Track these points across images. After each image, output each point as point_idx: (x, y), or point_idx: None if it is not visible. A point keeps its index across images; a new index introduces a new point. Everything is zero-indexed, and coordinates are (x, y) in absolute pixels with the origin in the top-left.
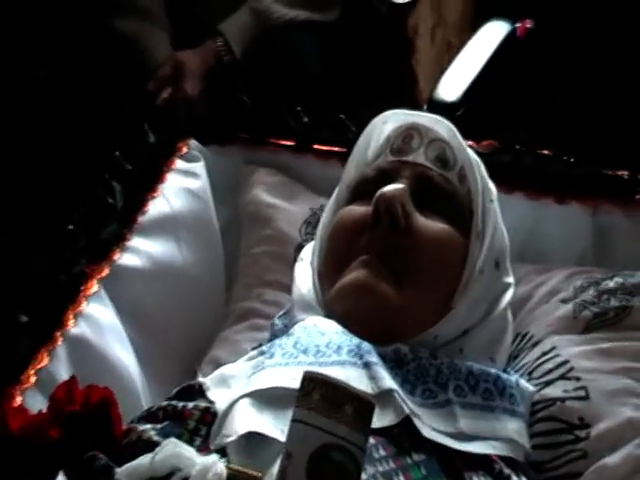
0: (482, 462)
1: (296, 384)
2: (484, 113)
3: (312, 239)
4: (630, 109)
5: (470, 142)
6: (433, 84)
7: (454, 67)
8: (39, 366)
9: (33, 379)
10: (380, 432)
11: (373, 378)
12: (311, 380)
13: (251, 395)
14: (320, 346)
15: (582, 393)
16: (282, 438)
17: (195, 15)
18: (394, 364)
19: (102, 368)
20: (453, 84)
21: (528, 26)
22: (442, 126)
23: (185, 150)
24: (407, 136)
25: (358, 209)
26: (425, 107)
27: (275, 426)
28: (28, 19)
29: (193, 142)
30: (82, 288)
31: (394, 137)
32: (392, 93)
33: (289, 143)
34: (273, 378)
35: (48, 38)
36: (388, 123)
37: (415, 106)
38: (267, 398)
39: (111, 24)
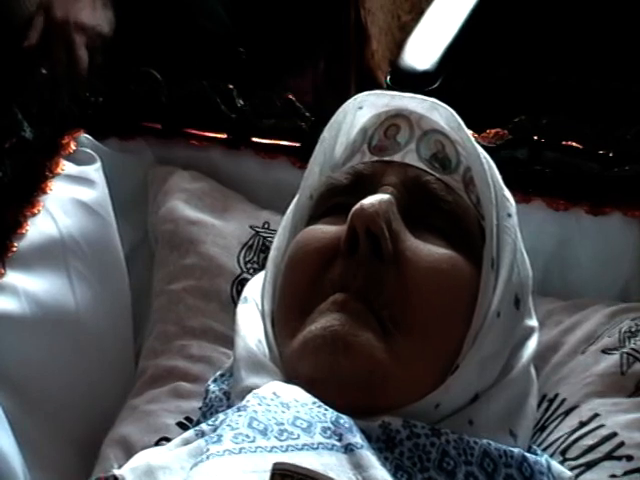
0: None
1: (258, 479)
2: (477, 87)
3: (257, 270)
4: None
5: (469, 132)
6: (391, 46)
7: (423, 24)
8: None
9: None
10: None
11: (359, 467)
12: (283, 477)
13: None
14: (284, 424)
15: (637, 476)
16: None
17: None
18: (383, 445)
19: None
20: (425, 47)
21: None
22: (439, 112)
23: (74, 147)
24: (391, 127)
25: (327, 229)
26: (388, 79)
27: None
28: None
29: (84, 136)
30: None
31: (373, 129)
32: (336, 58)
33: (219, 135)
34: (224, 473)
35: None
36: (364, 109)
37: (369, 76)
38: None
39: None
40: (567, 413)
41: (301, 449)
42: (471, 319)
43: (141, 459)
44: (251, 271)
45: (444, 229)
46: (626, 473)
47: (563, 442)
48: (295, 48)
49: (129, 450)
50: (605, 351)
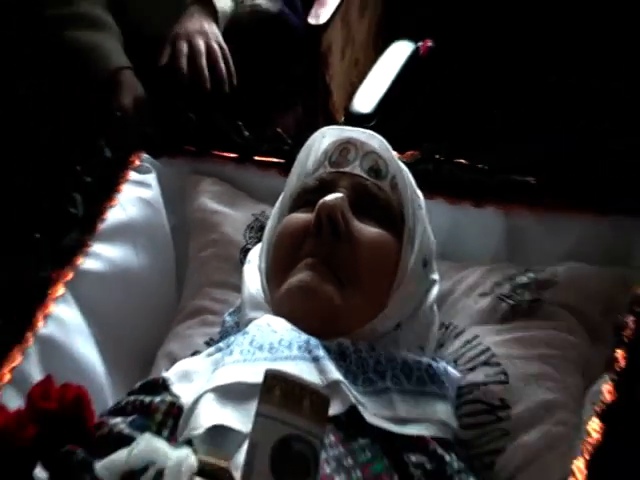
0: (418, 443)
1: (256, 379)
2: (403, 124)
3: (256, 242)
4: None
5: (394, 153)
6: (345, 97)
7: (366, 82)
8: (13, 365)
9: (8, 377)
10: (329, 420)
11: (322, 371)
12: (273, 377)
13: (214, 390)
14: (273, 343)
15: (502, 377)
16: (245, 430)
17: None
18: (338, 357)
19: (70, 365)
20: (366, 97)
21: (429, 45)
22: (375, 140)
23: (138, 163)
24: (344, 149)
25: (301, 216)
26: (342, 118)
27: (238, 419)
28: None
29: (145, 155)
30: (49, 291)
31: (332, 150)
32: (309, 105)
33: (232, 155)
34: (234, 374)
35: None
36: (326, 137)
37: (331, 117)
38: (229, 393)
39: (63, 36)
40: (457, 335)
41: (285, 359)
42: (396, 274)
43: (180, 366)
44: (252, 243)
45: (378, 216)
46: (496, 374)
47: (455, 354)
48: (282, 98)
49: (173, 361)
50: (482, 295)
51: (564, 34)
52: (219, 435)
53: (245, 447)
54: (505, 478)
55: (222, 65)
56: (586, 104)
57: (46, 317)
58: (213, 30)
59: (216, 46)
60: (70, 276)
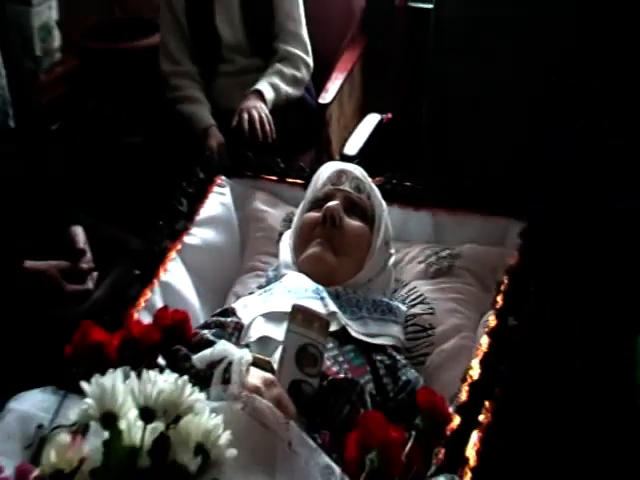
0: (381, 348)
1: (287, 309)
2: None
3: (286, 229)
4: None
5: (369, 178)
6: (339, 146)
7: (353, 137)
8: (145, 298)
9: (142, 305)
10: (329, 334)
11: (325, 305)
12: (296, 309)
13: (262, 315)
14: (297, 288)
15: (430, 311)
16: (280, 339)
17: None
18: (334, 297)
19: (177, 299)
20: (352, 146)
21: (389, 116)
22: (357, 170)
23: (219, 181)
24: (339, 175)
25: (314, 215)
26: (338, 158)
27: (276, 333)
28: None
29: (223, 177)
30: (166, 256)
31: (332, 176)
32: (318, 149)
33: (273, 178)
34: (274, 305)
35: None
36: (328, 168)
37: (331, 157)
38: (271, 317)
39: (175, 109)
40: (404, 286)
41: (303, 298)
42: (369, 249)
43: (242, 300)
44: (284, 229)
45: (359, 215)
46: (427, 309)
47: (403, 297)
48: (301, 146)
49: (237, 298)
50: (419, 262)
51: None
52: (265, 342)
53: (280, 350)
54: (430, 370)
55: (267, 127)
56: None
57: (165, 270)
58: (262, 107)
59: (264, 116)
60: (179, 247)
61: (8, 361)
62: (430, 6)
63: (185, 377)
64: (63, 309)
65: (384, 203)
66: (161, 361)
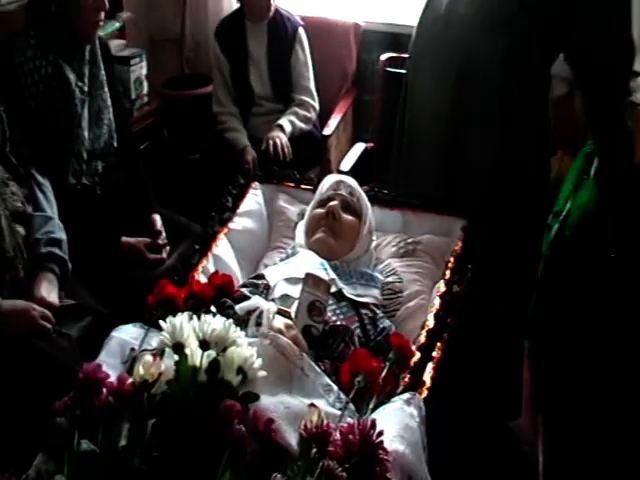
0: (366, 305)
1: (302, 275)
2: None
3: (301, 220)
4: None
5: (359, 187)
6: (337, 165)
7: (346, 159)
8: (202, 265)
9: (200, 270)
10: (330, 294)
11: (328, 274)
12: (308, 275)
13: (284, 279)
14: (308, 261)
15: (400, 280)
16: (297, 296)
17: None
18: (334, 268)
19: (224, 267)
20: (346, 164)
21: (372, 145)
22: (351, 180)
23: (254, 185)
24: (338, 184)
25: (320, 211)
26: (336, 172)
27: (294, 292)
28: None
29: (256, 182)
30: (217, 236)
31: (333, 184)
32: (322, 167)
33: (292, 184)
34: (292, 272)
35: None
36: (330, 179)
37: (331, 172)
38: (290, 280)
39: (222, 136)
40: (382, 262)
41: (313, 268)
42: (358, 236)
43: (270, 268)
44: (299, 221)
45: (352, 212)
46: (397, 279)
47: (381, 270)
48: (310, 164)
49: (266, 266)
50: (393, 246)
51: None
52: (285, 298)
53: (296, 303)
54: (399, 321)
55: (286, 150)
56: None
57: (216, 246)
58: (283, 137)
59: (284, 143)
60: (225, 230)
61: (112, 305)
62: (403, 71)
63: (230, 320)
64: (146, 271)
65: (369, 204)
66: (213, 309)
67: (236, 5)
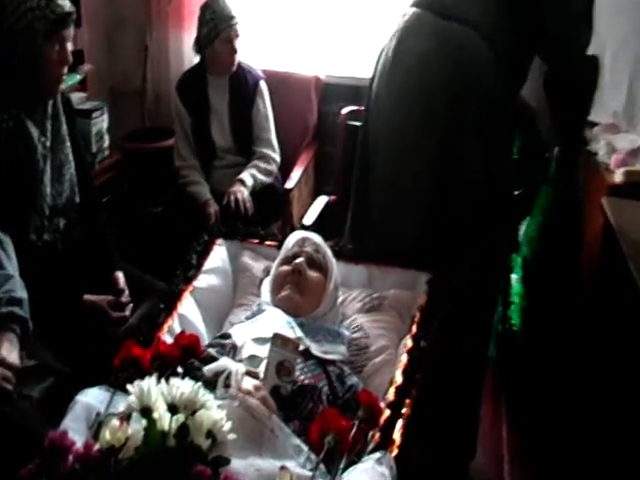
0: (333, 362)
1: (269, 335)
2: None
3: (266, 277)
4: None
5: (324, 242)
6: (299, 219)
7: (308, 212)
8: (168, 324)
9: (166, 329)
10: (298, 353)
11: (295, 332)
12: (276, 335)
13: (252, 339)
14: (275, 319)
15: (366, 336)
16: (264, 356)
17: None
18: (301, 326)
19: (190, 326)
20: (309, 218)
21: (334, 198)
22: (316, 237)
23: (218, 242)
24: (304, 241)
25: (285, 268)
26: (298, 226)
27: (261, 351)
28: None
29: (220, 239)
30: (182, 295)
31: (299, 241)
32: (284, 221)
33: (256, 241)
34: (259, 331)
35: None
36: (295, 235)
37: (294, 227)
38: (258, 340)
39: (184, 189)
40: (348, 318)
41: (280, 327)
42: (325, 292)
43: (235, 327)
44: (264, 278)
45: (318, 268)
46: (363, 334)
47: (347, 326)
48: (272, 218)
49: (232, 325)
50: (358, 302)
51: None
52: (254, 359)
53: (264, 364)
54: (366, 377)
55: (247, 205)
56: None
57: (181, 305)
58: (244, 191)
59: (245, 197)
60: (190, 288)
61: (75, 364)
62: (360, 124)
63: (199, 383)
64: (109, 330)
65: (334, 260)
66: (180, 370)
67: (197, 59)
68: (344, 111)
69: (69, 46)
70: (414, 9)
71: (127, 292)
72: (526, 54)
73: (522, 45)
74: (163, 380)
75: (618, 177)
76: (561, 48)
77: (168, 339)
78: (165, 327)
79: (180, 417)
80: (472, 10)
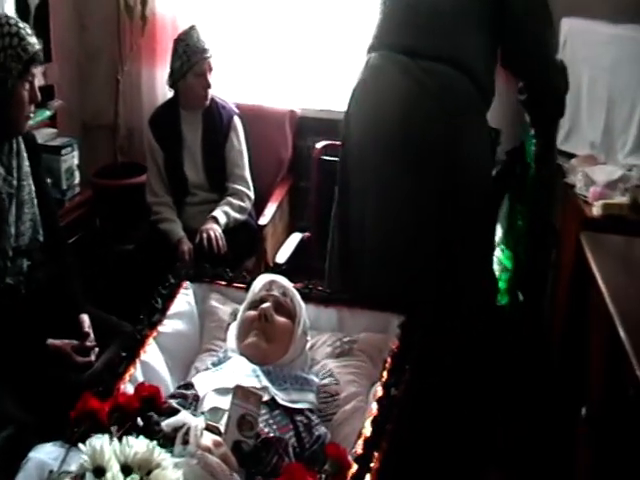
0: (301, 411)
1: (232, 385)
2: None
3: (233, 321)
4: None
5: (292, 285)
6: (272, 256)
7: (282, 250)
8: (129, 373)
9: (127, 379)
10: (262, 403)
11: (260, 382)
12: (238, 386)
13: (214, 390)
14: (239, 368)
15: (336, 382)
16: (226, 409)
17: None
18: (267, 374)
19: (153, 375)
20: (282, 256)
21: (308, 235)
22: (284, 280)
23: (185, 285)
24: (271, 284)
25: (252, 313)
26: (272, 265)
27: (223, 403)
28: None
29: (187, 282)
30: (145, 340)
31: (266, 284)
32: (257, 258)
33: (224, 282)
34: (222, 383)
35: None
36: (263, 278)
37: (267, 265)
38: (220, 390)
39: (156, 226)
40: (317, 363)
41: (244, 377)
42: (292, 338)
43: (199, 375)
44: (231, 322)
45: (285, 313)
46: (333, 380)
47: (317, 372)
48: (245, 255)
49: (197, 372)
50: (328, 345)
51: None
52: (216, 411)
53: (226, 417)
54: (335, 426)
55: (220, 243)
56: None
57: (144, 352)
58: (217, 228)
59: (218, 235)
60: (155, 334)
61: (37, 412)
62: (336, 159)
63: (154, 442)
64: (74, 375)
65: (303, 304)
66: (140, 422)
67: (170, 94)
68: (319, 145)
69: (37, 82)
70: (376, 53)
71: (92, 336)
72: (493, 72)
73: (492, 65)
74: (116, 439)
75: (596, 210)
76: (533, 58)
77: (130, 388)
78: (127, 376)
79: (135, 477)
80: (443, 45)
